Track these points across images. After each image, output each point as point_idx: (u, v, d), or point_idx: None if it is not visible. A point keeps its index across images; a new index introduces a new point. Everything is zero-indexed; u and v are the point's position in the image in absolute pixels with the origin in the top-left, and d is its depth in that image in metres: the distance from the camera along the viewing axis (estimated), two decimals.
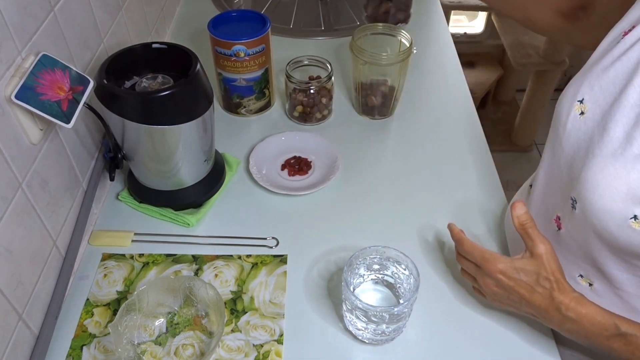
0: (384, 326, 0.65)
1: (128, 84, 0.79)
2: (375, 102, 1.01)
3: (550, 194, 0.65)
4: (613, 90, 0.55)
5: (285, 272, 0.78)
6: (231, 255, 0.80)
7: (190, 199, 0.84)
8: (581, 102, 0.58)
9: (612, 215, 0.52)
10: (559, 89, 0.63)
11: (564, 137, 0.59)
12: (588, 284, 0.63)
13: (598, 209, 0.53)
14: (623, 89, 0.54)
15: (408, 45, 0.95)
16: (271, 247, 0.81)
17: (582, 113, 0.57)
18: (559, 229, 0.63)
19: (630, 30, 0.56)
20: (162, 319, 0.72)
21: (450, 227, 0.69)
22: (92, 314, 0.73)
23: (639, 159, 0.51)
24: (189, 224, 0.83)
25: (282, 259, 0.79)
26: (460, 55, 1.20)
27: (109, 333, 0.70)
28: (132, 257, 0.80)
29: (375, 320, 0.64)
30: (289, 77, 0.98)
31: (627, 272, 0.58)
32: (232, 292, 0.75)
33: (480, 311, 0.73)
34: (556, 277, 0.59)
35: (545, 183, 0.66)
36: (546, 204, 0.66)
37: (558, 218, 0.63)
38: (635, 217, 0.51)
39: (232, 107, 1.03)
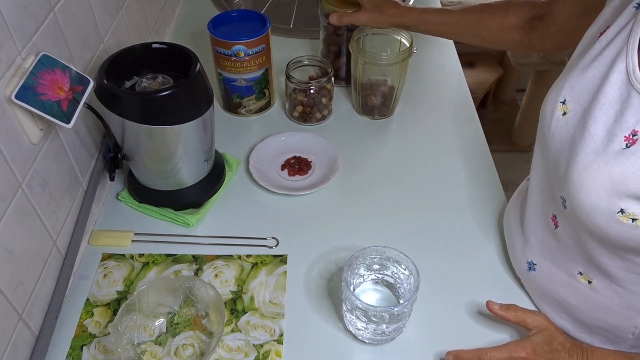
0: (384, 326, 0.65)
1: (128, 84, 0.79)
2: (375, 102, 1.01)
3: (544, 194, 0.66)
4: (592, 89, 0.56)
5: (285, 272, 0.78)
6: (231, 255, 0.80)
7: (190, 199, 0.84)
8: (563, 102, 0.59)
9: (599, 210, 0.53)
10: None
11: (549, 138, 0.60)
12: (587, 282, 0.64)
13: (586, 205, 0.54)
14: (600, 87, 0.55)
15: (408, 45, 0.95)
16: (271, 247, 0.81)
17: (564, 113, 0.58)
18: (556, 227, 0.64)
19: (605, 31, 0.57)
20: (162, 319, 0.72)
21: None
22: (92, 314, 0.73)
23: (620, 154, 0.52)
24: (189, 224, 0.83)
25: (282, 259, 0.79)
26: (460, 55, 1.20)
27: (109, 333, 0.70)
28: (132, 257, 0.80)
29: (375, 320, 0.64)
30: (289, 77, 0.98)
31: (624, 269, 0.59)
32: (232, 292, 0.75)
33: (480, 311, 0.73)
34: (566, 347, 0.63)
35: (539, 183, 0.67)
36: (542, 204, 0.67)
37: (554, 217, 0.64)
38: (622, 210, 0.52)
39: (232, 107, 1.03)
